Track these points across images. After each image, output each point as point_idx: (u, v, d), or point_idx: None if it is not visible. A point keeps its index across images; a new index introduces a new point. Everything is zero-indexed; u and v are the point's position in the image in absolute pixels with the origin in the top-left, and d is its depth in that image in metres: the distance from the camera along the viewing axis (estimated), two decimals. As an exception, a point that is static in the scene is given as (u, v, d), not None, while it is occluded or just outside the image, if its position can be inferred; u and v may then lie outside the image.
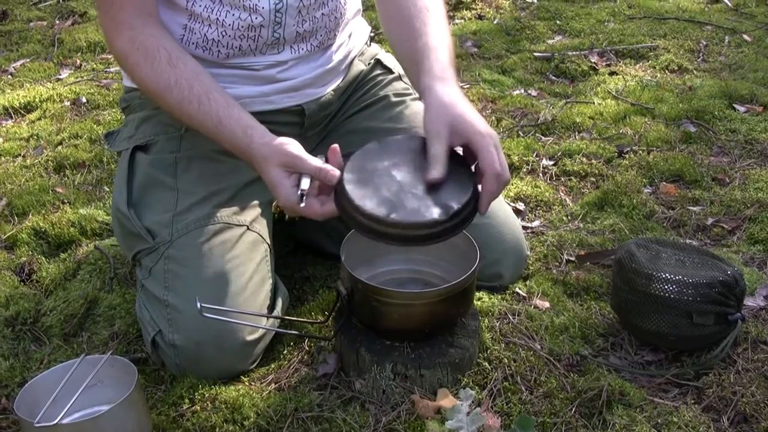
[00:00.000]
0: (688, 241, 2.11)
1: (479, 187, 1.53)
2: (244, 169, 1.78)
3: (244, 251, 1.70)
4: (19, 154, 2.72)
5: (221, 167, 1.75)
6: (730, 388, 1.57)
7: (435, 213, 1.48)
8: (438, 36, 1.72)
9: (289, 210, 1.58)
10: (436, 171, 1.50)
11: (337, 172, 1.52)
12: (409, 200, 1.50)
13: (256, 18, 1.71)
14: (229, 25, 1.70)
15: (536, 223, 2.25)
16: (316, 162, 1.53)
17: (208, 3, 1.69)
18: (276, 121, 1.85)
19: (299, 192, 1.51)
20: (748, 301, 1.82)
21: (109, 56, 3.60)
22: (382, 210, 1.48)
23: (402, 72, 2.04)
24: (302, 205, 1.51)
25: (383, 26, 1.91)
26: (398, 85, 2.01)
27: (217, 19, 1.70)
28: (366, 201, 1.49)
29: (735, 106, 2.89)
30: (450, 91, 1.59)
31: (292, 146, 1.55)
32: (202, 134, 1.66)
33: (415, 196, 1.50)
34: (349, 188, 1.51)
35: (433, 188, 1.51)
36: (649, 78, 3.18)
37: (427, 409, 1.53)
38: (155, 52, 1.63)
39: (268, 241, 1.77)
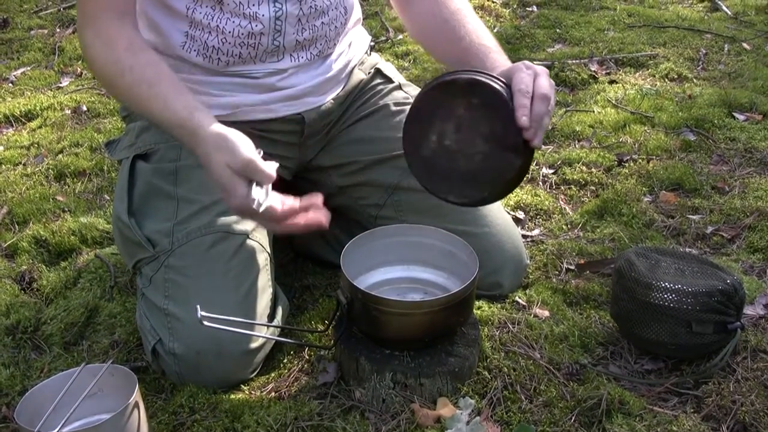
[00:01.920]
0: (687, 249, 2.11)
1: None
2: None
3: (245, 260, 1.70)
4: (20, 163, 2.73)
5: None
6: (730, 396, 1.57)
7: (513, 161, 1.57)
8: (483, 33, 1.80)
9: (242, 213, 1.53)
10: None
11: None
12: (484, 168, 1.58)
13: (256, 25, 1.71)
14: (229, 32, 1.71)
15: (536, 231, 2.25)
16: (272, 170, 1.48)
17: (209, 10, 1.70)
18: (276, 129, 1.86)
19: (256, 201, 1.44)
20: (748, 310, 1.82)
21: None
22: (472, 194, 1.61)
23: (402, 81, 2.05)
24: (262, 209, 1.46)
25: (415, 31, 1.94)
26: (398, 95, 2.01)
27: (218, 26, 1.70)
28: (450, 193, 1.61)
29: (734, 114, 2.90)
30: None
31: (247, 149, 1.48)
32: (152, 123, 1.65)
33: (484, 156, 1.58)
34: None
35: (486, 139, 1.58)
36: (649, 86, 3.19)
37: (426, 418, 1.53)
38: (116, 39, 1.63)
39: (269, 250, 1.77)
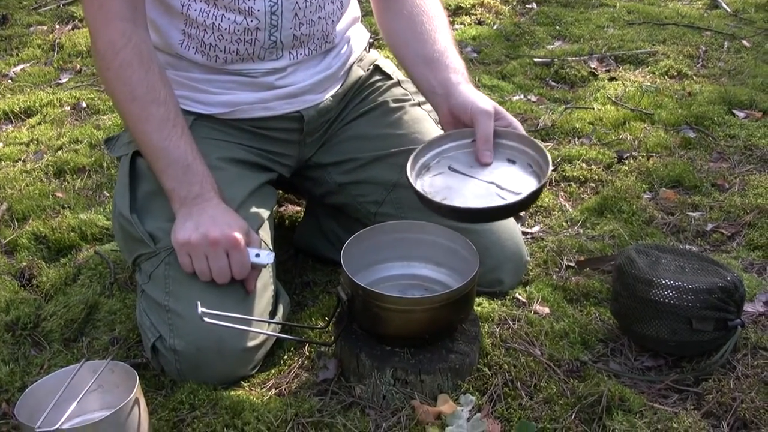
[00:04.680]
0: (687, 246, 2.11)
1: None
2: (246, 177, 1.78)
3: (246, 257, 1.70)
4: (19, 159, 2.72)
5: (224, 174, 1.74)
6: (730, 393, 1.58)
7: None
8: (450, 41, 1.86)
9: (237, 268, 1.64)
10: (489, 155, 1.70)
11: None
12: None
13: (252, 21, 1.71)
14: (225, 29, 1.70)
15: (536, 228, 2.25)
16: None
17: (203, 6, 1.69)
18: (275, 127, 1.86)
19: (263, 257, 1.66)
20: (748, 307, 1.82)
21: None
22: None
23: (401, 78, 2.05)
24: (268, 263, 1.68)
25: (389, 31, 1.94)
26: (397, 91, 2.01)
27: (213, 23, 1.70)
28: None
29: (734, 111, 2.90)
30: (470, 87, 1.78)
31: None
32: (153, 159, 1.68)
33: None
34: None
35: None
36: (649, 83, 3.19)
37: (427, 415, 1.53)
38: (151, 62, 1.65)
39: (270, 248, 1.77)
